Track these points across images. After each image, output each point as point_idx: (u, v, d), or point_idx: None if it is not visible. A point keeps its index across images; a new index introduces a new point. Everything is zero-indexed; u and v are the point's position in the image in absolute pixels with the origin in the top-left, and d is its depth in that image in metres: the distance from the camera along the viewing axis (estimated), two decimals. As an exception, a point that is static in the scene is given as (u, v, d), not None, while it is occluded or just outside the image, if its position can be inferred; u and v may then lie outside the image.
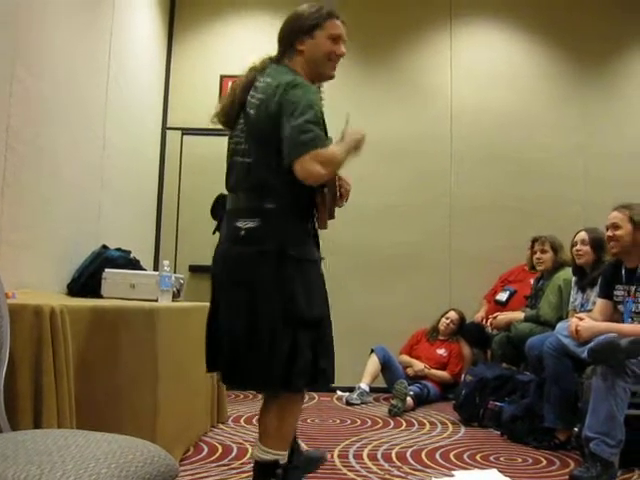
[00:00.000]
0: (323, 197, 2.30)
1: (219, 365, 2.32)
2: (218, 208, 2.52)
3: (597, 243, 3.86)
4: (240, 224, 2.25)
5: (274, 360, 2.15)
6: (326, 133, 2.31)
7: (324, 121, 2.31)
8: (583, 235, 4.01)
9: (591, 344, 3.09)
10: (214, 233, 2.50)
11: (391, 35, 5.95)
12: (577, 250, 4.00)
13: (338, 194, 2.43)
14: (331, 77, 2.48)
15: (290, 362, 2.15)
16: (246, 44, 5.63)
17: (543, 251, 4.60)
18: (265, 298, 2.17)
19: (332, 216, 2.46)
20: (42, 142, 3.31)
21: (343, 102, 5.80)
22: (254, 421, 4.06)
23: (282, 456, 2.27)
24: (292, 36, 2.37)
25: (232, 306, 2.25)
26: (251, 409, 4.45)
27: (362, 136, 2.42)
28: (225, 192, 2.45)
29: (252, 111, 2.28)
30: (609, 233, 3.41)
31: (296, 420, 2.39)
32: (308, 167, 2.12)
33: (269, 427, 2.27)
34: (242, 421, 4.14)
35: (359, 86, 5.90)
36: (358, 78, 5.91)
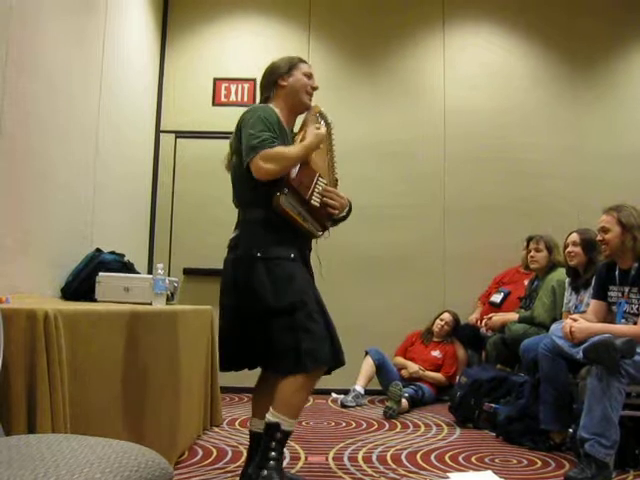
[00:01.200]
0: (276, 200, 2.50)
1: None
2: None
3: (588, 244, 3.88)
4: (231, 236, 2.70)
5: (257, 349, 2.57)
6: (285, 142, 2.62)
7: (283, 132, 2.65)
8: (574, 237, 4.03)
9: (586, 344, 3.10)
10: None
11: (384, 37, 5.96)
12: (569, 252, 4.02)
13: (315, 202, 2.63)
14: (308, 106, 2.82)
15: (270, 348, 2.51)
16: (239, 47, 5.64)
17: (537, 250, 4.62)
18: (242, 296, 2.56)
19: (323, 225, 2.74)
20: (35, 145, 3.31)
21: (337, 104, 5.83)
22: (248, 424, 4.04)
23: (286, 422, 2.49)
24: (274, 77, 2.77)
25: (222, 307, 2.69)
26: (246, 412, 4.43)
27: (321, 133, 2.71)
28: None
29: (232, 139, 2.71)
30: (599, 237, 3.43)
31: (306, 396, 2.60)
32: (258, 165, 2.46)
33: (281, 395, 2.50)
34: (237, 424, 4.13)
35: (352, 88, 5.91)
36: (351, 80, 5.92)
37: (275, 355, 2.50)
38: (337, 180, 2.90)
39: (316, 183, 2.66)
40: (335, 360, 2.59)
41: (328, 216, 2.74)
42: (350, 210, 2.84)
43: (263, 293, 2.49)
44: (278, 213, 2.53)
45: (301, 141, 2.62)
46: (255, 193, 2.57)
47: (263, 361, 2.65)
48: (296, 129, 2.82)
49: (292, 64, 2.79)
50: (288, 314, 2.49)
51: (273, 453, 2.48)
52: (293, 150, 2.56)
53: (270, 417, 2.50)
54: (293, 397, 2.51)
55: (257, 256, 2.52)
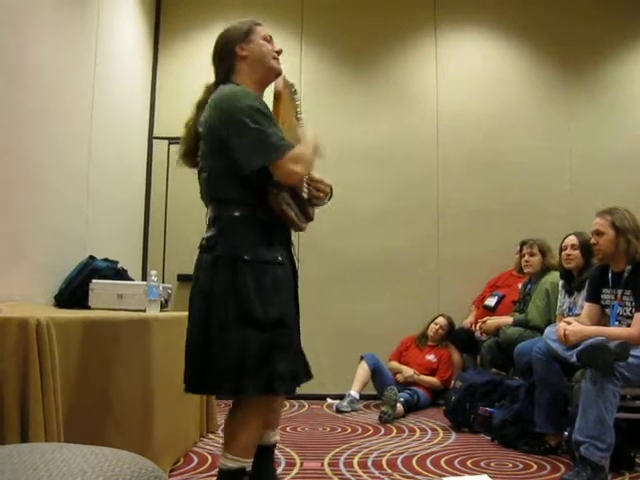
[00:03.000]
0: (275, 198, 2.31)
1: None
2: None
3: (587, 247, 3.87)
4: (204, 235, 2.38)
5: (225, 365, 2.18)
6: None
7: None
8: (573, 239, 4.03)
9: (580, 347, 3.11)
10: None
11: (376, 42, 5.97)
12: (567, 255, 4.01)
13: (304, 194, 2.46)
14: (279, 72, 2.52)
15: (240, 366, 2.16)
16: (232, 53, 5.62)
17: (531, 254, 4.62)
18: (218, 303, 2.22)
19: (309, 217, 2.52)
20: (27, 152, 3.29)
21: (329, 109, 5.84)
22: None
23: (247, 464, 2.25)
24: (230, 46, 2.46)
25: (192, 313, 2.32)
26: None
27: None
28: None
29: (201, 128, 2.39)
30: (593, 240, 3.44)
31: (259, 428, 2.34)
32: (288, 168, 2.22)
33: (235, 434, 2.25)
34: (232, 431, 4.12)
35: (345, 93, 5.92)
36: (344, 84, 5.93)
37: (244, 374, 2.16)
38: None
39: None
40: (301, 381, 2.40)
41: (312, 206, 2.57)
42: (331, 195, 2.65)
43: (248, 302, 2.20)
44: (274, 211, 2.31)
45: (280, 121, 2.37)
46: (241, 190, 2.29)
47: (222, 383, 2.21)
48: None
49: (248, 29, 2.47)
50: (270, 329, 2.21)
51: None
52: (307, 150, 2.37)
53: (230, 464, 2.21)
54: (252, 432, 2.27)
55: (244, 259, 2.23)
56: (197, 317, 2.28)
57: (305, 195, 2.47)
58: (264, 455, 2.50)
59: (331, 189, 2.64)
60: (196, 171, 2.48)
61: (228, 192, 2.32)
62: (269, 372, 2.19)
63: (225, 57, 2.48)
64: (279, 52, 2.53)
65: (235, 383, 2.17)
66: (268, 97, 2.47)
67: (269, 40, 2.51)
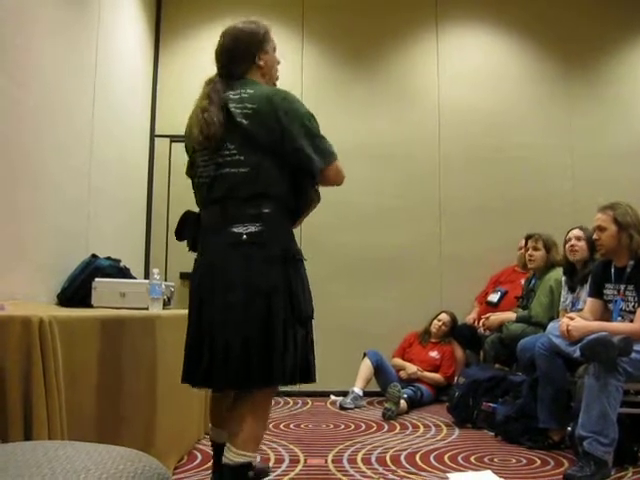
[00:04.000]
0: (317, 195, 2.48)
1: (203, 371, 2.28)
2: (186, 227, 2.56)
3: (592, 241, 3.84)
4: (239, 229, 2.28)
5: (285, 357, 2.22)
6: None
7: None
8: (578, 232, 4.03)
9: (583, 342, 3.10)
10: (191, 251, 2.54)
11: (378, 39, 5.96)
12: (572, 246, 4.00)
13: None
14: (274, 85, 2.61)
15: (292, 357, 2.24)
16: (233, 50, 5.61)
17: (535, 248, 4.61)
18: (275, 300, 2.23)
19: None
20: (29, 150, 3.30)
21: (331, 106, 5.83)
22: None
23: (254, 458, 2.26)
24: (252, 50, 2.49)
25: (237, 308, 2.24)
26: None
27: None
28: (191, 209, 2.57)
29: (245, 121, 2.32)
30: (595, 236, 3.43)
31: (267, 420, 2.42)
32: (338, 169, 2.44)
33: (245, 429, 2.23)
34: (236, 428, 4.12)
35: (346, 90, 5.91)
36: (345, 82, 5.92)
37: (287, 365, 2.21)
38: None
39: None
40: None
41: None
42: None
43: (299, 299, 2.29)
44: (306, 206, 2.46)
45: None
46: (285, 187, 2.36)
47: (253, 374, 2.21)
48: None
49: (265, 35, 2.52)
50: (306, 324, 2.33)
51: None
52: None
53: (236, 458, 2.20)
54: (258, 427, 2.29)
55: (293, 256, 2.32)
56: (249, 311, 2.23)
57: None
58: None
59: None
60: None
61: (275, 188, 2.33)
62: (308, 363, 2.33)
63: (244, 58, 2.49)
64: (279, 63, 2.64)
65: (292, 376, 2.25)
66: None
67: (275, 51, 2.62)
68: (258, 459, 2.38)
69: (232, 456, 2.20)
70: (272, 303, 2.23)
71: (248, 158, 2.31)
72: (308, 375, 2.33)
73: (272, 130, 2.30)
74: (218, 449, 2.45)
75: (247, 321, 2.23)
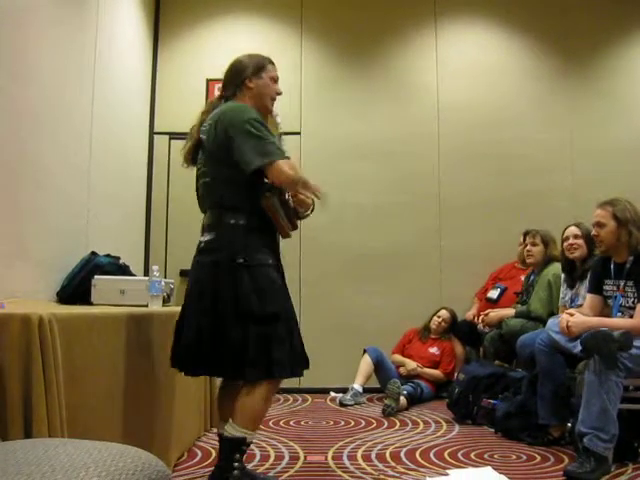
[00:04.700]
0: (267, 201, 2.55)
1: (183, 360, 2.62)
2: None
3: (589, 237, 3.84)
4: (201, 238, 2.65)
5: (229, 353, 2.47)
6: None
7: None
8: (575, 230, 4.02)
9: (584, 334, 3.10)
10: None
11: (376, 35, 5.95)
12: (570, 244, 4.00)
13: (290, 202, 2.67)
14: (270, 111, 2.80)
15: (242, 354, 2.45)
16: (232, 48, 5.57)
17: (534, 244, 4.62)
18: (223, 302, 2.49)
19: (294, 226, 2.74)
20: (28, 149, 3.29)
21: (330, 103, 5.84)
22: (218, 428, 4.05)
23: (249, 435, 2.54)
24: (243, 75, 2.72)
25: (193, 310, 2.58)
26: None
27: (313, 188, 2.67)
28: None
29: (204, 136, 2.64)
30: (594, 232, 3.42)
31: (269, 405, 2.64)
32: (281, 168, 2.48)
33: (244, 407, 2.53)
34: (236, 425, 4.12)
35: (345, 87, 5.90)
36: (344, 79, 5.92)
37: (246, 362, 2.45)
38: None
39: None
40: (300, 371, 2.62)
41: (297, 215, 2.77)
42: (314, 209, 2.84)
43: (247, 300, 2.48)
44: (266, 214, 2.57)
45: None
46: (239, 197, 2.57)
47: (226, 368, 2.54)
48: None
49: (260, 66, 2.75)
50: (267, 323, 2.49)
51: (237, 464, 2.54)
52: (298, 170, 2.60)
53: (234, 432, 2.52)
54: (257, 409, 2.55)
55: (240, 263, 2.51)
56: (202, 315, 2.53)
57: (291, 203, 2.68)
58: None
59: (314, 203, 2.79)
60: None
61: (229, 199, 2.57)
62: (268, 360, 2.47)
63: (235, 82, 2.74)
64: (278, 94, 2.81)
65: (239, 370, 2.47)
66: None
67: (275, 81, 2.79)
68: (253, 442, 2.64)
69: (230, 429, 2.52)
70: (216, 303, 2.50)
71: (209, 170, 2.63)
72: (271, 372, 2.48)
73: (222, 142, 2.54)
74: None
75: (200, 315, 2.54)
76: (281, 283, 2.66)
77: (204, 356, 2.51)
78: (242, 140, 2.49)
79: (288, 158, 2.53)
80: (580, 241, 3.98)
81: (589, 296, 3.57)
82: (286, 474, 3.02)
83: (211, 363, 2.53)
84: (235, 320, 2.47)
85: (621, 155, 5.77)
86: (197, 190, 2.76)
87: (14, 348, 1.78)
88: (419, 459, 3.29)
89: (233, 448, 2.54)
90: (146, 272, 5.18)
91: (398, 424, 4.22)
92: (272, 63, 2.80)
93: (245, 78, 2.71)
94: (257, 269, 2.53)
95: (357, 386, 5.06)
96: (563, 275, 4.17)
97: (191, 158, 2.77)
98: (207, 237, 2.61)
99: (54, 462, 1.24)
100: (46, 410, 1.77)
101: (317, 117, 5.81)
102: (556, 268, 4.37)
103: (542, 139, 5.85)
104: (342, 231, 5.67)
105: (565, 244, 4.05)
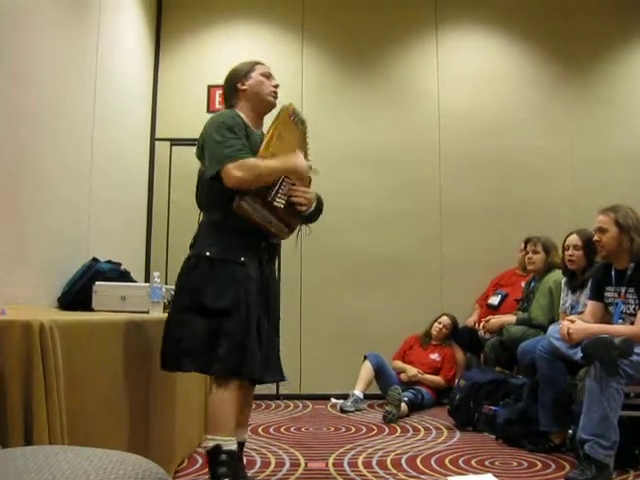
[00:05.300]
0: (237, 204, 2.54)
1: None
2: None
3: (589, 246, 3.83)
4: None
5: (168, 342, 2.59)
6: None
7: (250, 134, 2.69)
8: (575, 240, 4.00)
9: (585, 341, 3.10)
10: None
11: (377, 42, 5.97)
12: (570, 255, 4.00)
13: (277, 202, 2.63)
14: (272, 104, 2.83)
15: (182, 345, 2.52)
16: (233, 54, 5.59)
17: (535, 252, 4.62)
18: (180, 292, 2.63)
19: (289, 226, 2.74)
20: (29, 154, 3.30)
21: (331, 109, 5.84)
22: (248, 431, 4.05)
23: (223, 441, 2.48)
24: (234, 82, 2.80)
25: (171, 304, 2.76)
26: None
27: (296, 163, 2.71)
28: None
29: (196, 147, 2.78)
30: (596, 237, 3.42)
31: (224, 405, 2.53)
32: (230, 173, 2.51)
33: (208, 414, 2.60)
34: (236, 431, 4.12)
35: (346, 93, 5.92)
36: (345, 85, 5.93)
37: (191, 352, 2.51)
38: (310, 179, 2.89)
39: (280, 184, 2.65)
40: (247, 372, 2.52)
41: (297, 214, 2.75)
42: (321, 204, 2.86)
43: (202, 291, 2.54)
44: (240, 216, 2.56)
45: (268, 142, 2.63)
46: (212, 196, 2.65)
47: (170, 359, 2.61)
48: (265, 129, 2.82)
49: (249, 67, 2.82)
50: (218, 317, 2.51)
51: (224, 470, 2.47)
52: (269, 163, 2.57)
53: (206, 443, 2.53)
54: (217, 413, 2.52)
55: (205, 255, 2.58)
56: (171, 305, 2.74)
57: (280, 205, 2.64)
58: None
59: (319, 199, 2.84)
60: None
61: (209, 200, 2.71)
62: (209, 354, 2.49)
63: (229, 92, 2.84)
64: (276, 86, 2.83)
65: (177, 361, 2.56)
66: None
67: (268, 76, 2.83)
68: (234, 447, 2.53)
69: (206, 442, 2.53)
70: (176, 294, 2.65)
71: (199, 174, 2.77)
72: (208, 367, 2.52)
73: (202, 150, 2.68)
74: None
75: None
76: (245, 281, 2.58)
77: (163, 348, 2.61)
78: (206, 147, 2.63)
79: (241, 157, 2.52)
80: (579, 252, 3.97)
81: (590, 303, 3.56)
82: (287, 481, 3.01)
83: (167, 355, 2.60)
84: (186, 310, 2.55)
85: (622, 162, 5.78)
86: None
87: (15, 354, 1.78)
88: (420, 466, 3.29)
89: (211, 461, 2.51)
90: (147, 278, 5.18)
91: (399, 430, 4.22)
92: (261, 63, 2.86)
93: (237, 83, 2.79)
94: (220, 263, 2.57)
95: (358, 392, 5.05)
96: (564, 280, 4.17)
97: None
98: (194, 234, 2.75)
99: (54, 469, 1.24)
100: (47, 417, 1.76)
101: (318, 123, 5.80)
102: (557, 275, 4.37)
103: (543, 146, 5.86)
104: (343, 237, 5.67)
105: (565, 253, 4.05)
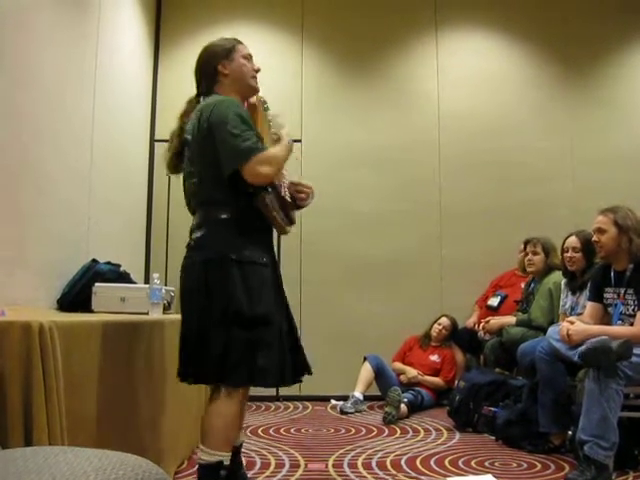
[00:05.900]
0: (262, 200, 2.42)
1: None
2: None
3: (588, 247, 3.83)
4: (191, 237, 2.50)
5: (210, 355, 2.30)
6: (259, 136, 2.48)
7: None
8: (574, 242, 4.00)
9: (582, 348, 3.10)
10: None
11: (377, 43, 5.97)
12: (569, 257, 4.00)
13: (287, 197, 2.56)
14: (257, 90, 2.68)
15: (224, 357, 2.28)
16: (233, 55, 5.62)
17: (534, 253, 4.62)
18: (209, 301, 2.34)
19: (292, 221, 2.62)
20: (29, 155, 3.30)
21: (330, 110, 5.85)
22: (248, 432, 4.05)
23: (225, 457, 2.34)
24: (213, 63, 2.64)
25: (185, 310, 2.44)
26: (245, 421, 4.42)
27: (290, 147, 2.58)
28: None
29: (188, 136, 2.55)
30: (595, 238, 3.43)
31: (236, 420, 2.44)
32: (255, 170, 2.33)
33: (212, 426, 2.36)
34: (236, 432, 4.12)
35: (346, 94, 5.92)
36: (345, 86, 5.93)
37: (227, 365, 2.28)
38: None
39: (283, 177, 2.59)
40: (282, 382, 2.44)
41: (294, 207, 2.65)
42: (313, 195, 2.73)
43: (238, 298, 2.31)
44: (250, 213, 2.43)
45: (260, 132, 2.50)
46: (227, 194, 2.41)
47: (207, 372, 2.35)
48: None
49: (230, 47, 2.64)
50: (255, 326, 2.32)
51: None
52: (279, 152, 2.47)
53: (207, 457, 2.32)
54: (228, 429, 2.37)
55: (232, 259, 2.34)
56: (189, 314, 2.40)
57: (288, 198, 2.57)
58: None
59: (312, 190, 2.72)
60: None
61: (217, 196, 2.44)
62: (251, 366, 2.29)
63: (208, 72, 2.66)
64: (257, 70, 2.68)
65: (220, 375, 2.30)
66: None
67: (249, 59, 2.66)
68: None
69: (203, 455, 2.33)
70: (206, 301, 2.34)
71: (196, 169, 2.49)
72: (253, 378, 2.31)
73: (206, 139, 2.42)
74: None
75: (185, 321, 2.43)
76: (272, 284, 2.49)
77: (190, 359, 2.38)
78: (221, 141, 2.36)
79: (261, 151, 2.35)
80: (578, 254, 3.97)
81: (589, 304, 3.56)
82: (286, 482, 3.02)
83: (195, 367, 2.36)
84: (221, 320, 2.30)
85: (622, 163, 5.78)
86: (184, 191, 2.61)
87: (14, 355, 1.78)
88: (420, 467, 3.29)
89: (207, 475, 2.34)
90: (147, 280, 5.17)
91: (399, 432, 4.22)
92: (240, 42, 2.70)
93: (217, 65, 2.62)
94: (249, 267, 2.37)
95: (358, 394, 5.05)
96: (564, 281, 4.17)
97: (174, 165, 2.70)
98: (197, 234, 2.46)
99: (54, 470, 1.24)
100: (46, 418, 1.76)
101: (318, 125, 5.82)
102: (557, 276, 4.37)
103: (543, 147, 5.86)
104: (343, 238, 5.67)
105: (565, 255, 4.05)
